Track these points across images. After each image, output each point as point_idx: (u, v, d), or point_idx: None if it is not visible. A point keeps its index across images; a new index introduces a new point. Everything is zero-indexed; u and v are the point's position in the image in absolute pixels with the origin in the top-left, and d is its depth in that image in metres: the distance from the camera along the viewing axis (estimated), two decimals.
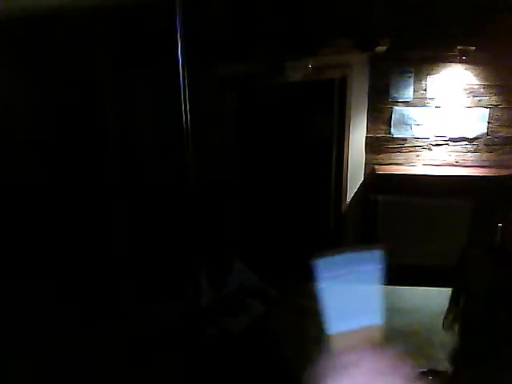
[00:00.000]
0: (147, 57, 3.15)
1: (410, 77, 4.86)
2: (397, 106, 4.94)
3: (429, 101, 4.90)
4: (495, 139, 4.94)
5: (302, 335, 4.00)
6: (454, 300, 2.74)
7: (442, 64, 4.79)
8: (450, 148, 5.01)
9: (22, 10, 2.49)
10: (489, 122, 4.90)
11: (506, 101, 4.83)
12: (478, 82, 4.80)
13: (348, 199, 5.09)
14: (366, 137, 5.05)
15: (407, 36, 4.64)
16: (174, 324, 3.07)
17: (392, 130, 5.00)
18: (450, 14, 4.58)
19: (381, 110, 4.97)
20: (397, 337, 3.07)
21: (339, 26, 4.20)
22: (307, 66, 4.17)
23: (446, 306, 2.87)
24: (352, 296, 1.06)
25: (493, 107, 4.86)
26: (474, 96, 4.84)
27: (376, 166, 5.06)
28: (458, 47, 4.64)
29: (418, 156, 5.04)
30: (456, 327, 2.44)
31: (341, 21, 4.24)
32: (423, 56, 4.78)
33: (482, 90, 4.82)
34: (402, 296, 4.01)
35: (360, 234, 5.19)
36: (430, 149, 5.01)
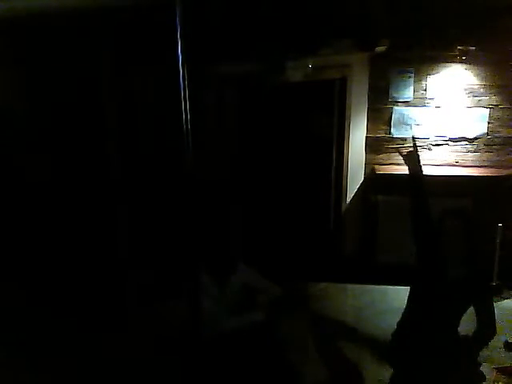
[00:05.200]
0: (147, 56, 3.15)
1: (410, 77, 4.85)
2: (397, 105, 4.94)
3: (429, 101, 4.90)
4: (495, 139, 4.94)
5: (304, 335, 4.00)
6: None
7: (442, 64, 4.79)
8: (449, 148, 5.01)
9: (22, 10, 2.49)
10: (489, 122, 4.90)
11: (506, 101, 4.82)
12: (477, 82, 4.80)
13: (348, 199, 5.09)
14: (366, 137, 5.05)
15: (407, 36, 4.64)
16: (174, 324, 3.07)
17: (392, 130, 5.00)
18: (449, 14, 4.58)
19: (381, 110, 4.97)
20: None
21: (339, 26, 4.20)
22: (307, 66, 4.17)
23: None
24: None
25: (493, 107, 4.86)
26: (474, 96, 4.84)
27: (376, 166, 5.05)
28: (458, 47, 4.64)
29: None
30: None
31: (341, 21, 4.24)
32: (423, 56, 4.78)
33: (481, 90, 4.82)
34: (401, 296, 4.00)
35: (360, 234, 5.19)
36: (429, 149, 5.01)
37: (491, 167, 4.96)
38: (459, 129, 4.93)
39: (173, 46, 1.80)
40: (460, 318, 2.82)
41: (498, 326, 2.78)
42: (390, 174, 4.90)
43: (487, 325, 2.75)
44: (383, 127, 5.01)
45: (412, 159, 2.94)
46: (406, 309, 2.96)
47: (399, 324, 2.98)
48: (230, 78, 3.77)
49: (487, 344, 2.81)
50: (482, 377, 2.81)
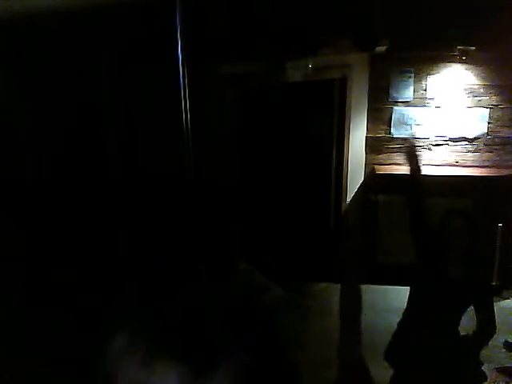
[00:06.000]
0: (147, 56, 3.15)
1: (410, 77, 4.85)
2: (397, 106, 4.94)
3: (429, 101, 4.90)
4: (495, 139, 4.94)
5: (303, 334, 4.00)
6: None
7: (442, 64, 4.79)
8: (450, 148, 5.01)
9: (22, 9, 2.49)
10: (489, 122, 4.90)
11: (506, 101, 4.83)
12: (477, 82, 4.80)
13: (348, 199, 5.09)
14: (366, 137, 5.05)
15: (407, 36, 4.64)
16: (175, 324, 3.06)
17: (392, 130, 5.00)
18: (449, 14, 4.58)
19: (381, 110, 4.97)
20: None
21: (339, 26, 4.20)
22: (307, 66, 4.17)
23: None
24: None
25: (493, 107, 4.86)
26: (474, 96, 4.84)
27: (376, 166, 5.06)
28: (458, 47, 4.64)
29: None
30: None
31: (340, 21, 4.24)
32: (423, 56, 4.78)
33: (481, 90, 4.82)
34: (401, 296, 4.00)
35: (360, 234, 5.19)
36: (429, 149, 5.01)
37: (491, 167, 4.96)
38: (459, 129, 4.94)
39: (173, 46, 1.81)
40: (460, 317, 2.82)
41: (498, 325, 2.79)
42: (389, 174, 4.91)
43: (487, 323, 2.76)
44: (383, 127, 5.01)
45: (413, 157, 2.95)
46: (406, 308, 2.97)
47: (400, 324, 2.98)
48: (229, 78, 3.77)
49: (488, 343, 2.81)
50: (484, 376, 2.81)
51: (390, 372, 3.00)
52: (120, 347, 0.71)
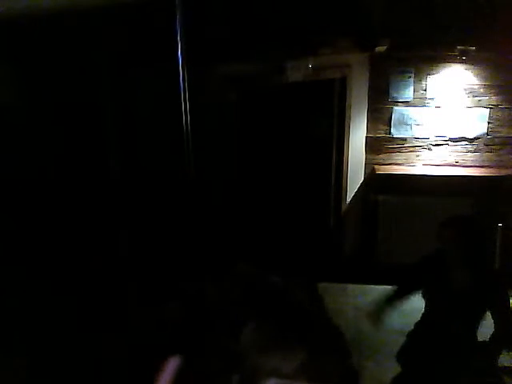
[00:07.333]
0: (147, 57, 3.15)
1: (410, 77, 4.85)
2: (397, 106, 4.94)
3: (429, 101, 4.90)
4: (495, 139, 4.94)
5: None
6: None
7: (442, 64, 4.79)
8: (450, 148, 5.01)
9: (22, 10, 2.49)
10: (489, 122, 4.90)
11: (506, 101, 4.83)
12: (478, 82, 4.81)
13: (348, 199, 5.09)
14: (366, 137, 5.05)
15: (407, 36, 4.64)
16: (175, 325, 3.06)
17: (392, 130, 5.00)
18: (449, 14, 4.58)
19: (381, 110, 4.97)
20: (397, 337, 3.08)
21: (339, 26, 4.20)
22: (307, 66, 4.17)
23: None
24: None
25: (493, 107, 4.86)
26: (473, 96, 4.84)
27: (376, 166, 5.06)
28: (458, 47, 4.64)
29: (417, 156, 5.04)
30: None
31: (341, 21, 4.24)
32: (423, 56, 4.78)
33: (481, 90, 4.82)
34: None
35: (360, 233, 5.20)
36: (429, 149, 5.01)
37: (491, 167, 4.97)
38: (459, 129, 4.94)
39: (173, 47, 1.81)
40: (478, 322, 2.73)
41: None
42: (390, 173, 4.91)
43: (504, 327, 2.66)
44: (383, 127, 5.01)
45: None
46: (423, 311, 2.90)
47: (416, 326, 2.93)
48: (229, 78, 3.77)
49: (506, 347, 2.75)
50: (502, 381, 2.76)
51: (390, 372, 3.00)
52: (250, 333, 0.92)
